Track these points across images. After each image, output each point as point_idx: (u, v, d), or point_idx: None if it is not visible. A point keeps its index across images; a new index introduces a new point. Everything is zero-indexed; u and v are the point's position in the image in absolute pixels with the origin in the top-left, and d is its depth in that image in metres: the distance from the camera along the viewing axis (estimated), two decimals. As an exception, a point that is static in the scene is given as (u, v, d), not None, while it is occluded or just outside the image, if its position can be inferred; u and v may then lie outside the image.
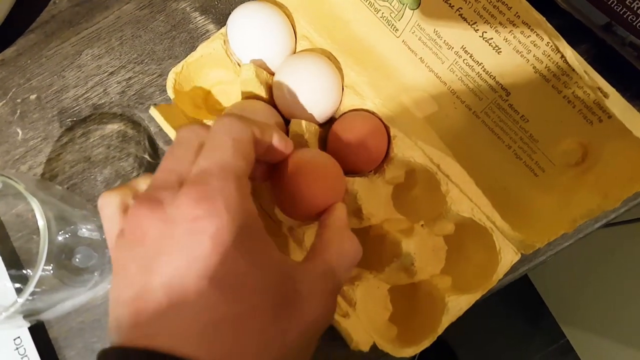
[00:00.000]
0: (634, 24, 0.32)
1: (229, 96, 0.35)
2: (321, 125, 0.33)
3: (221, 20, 0.37)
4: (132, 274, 0.17)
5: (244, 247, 0.17)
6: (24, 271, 0.32)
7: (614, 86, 0.35)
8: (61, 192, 0.31)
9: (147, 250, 0.17)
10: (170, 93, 0.32)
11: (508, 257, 0.30)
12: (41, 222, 0.24)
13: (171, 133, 0.30)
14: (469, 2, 0.28)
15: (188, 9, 0.37)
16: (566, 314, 1.00)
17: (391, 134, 0.32)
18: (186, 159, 0.19)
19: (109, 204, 0.20)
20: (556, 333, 1.02)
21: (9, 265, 0.32)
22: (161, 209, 0.17)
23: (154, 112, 0.29)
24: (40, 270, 0.23)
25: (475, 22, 0.28)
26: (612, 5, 0.32)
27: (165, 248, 0.17)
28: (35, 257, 0.34)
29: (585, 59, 0.36)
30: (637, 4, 0.31)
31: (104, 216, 0.20)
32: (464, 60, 0.30)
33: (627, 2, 0.31)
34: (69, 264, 0.31)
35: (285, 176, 0.23)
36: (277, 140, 0.22)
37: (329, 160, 0.26)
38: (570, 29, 0.36)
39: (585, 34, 0.35)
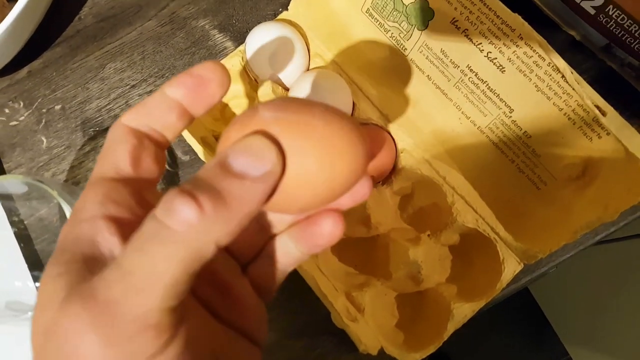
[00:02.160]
0: (632, 46, 0.34)
1: (244, 108, 0.37)
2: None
3: (238, 38, 0.39)
4: None
5: None
6: (47, 273, 0.34)
7: (613, 105, 0.37)
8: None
9: None
10: (189, 105, 0.34)
11: (511, 267, 0.31)
12: (71, 224, 0.25)
13: (192, 142, 0.32)
14: (475, 23, 0.29)
15: (207, 26, 0.39)
16: (569, 331, 1.00)
17: (399, 147, 0.33)
18: None
19: None
20: (559, 351, 1.02)
21: (31, 267, 0.33)
22: None
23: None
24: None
25: (481, 43, 0.30)
26: (611, 29, 0.34)
27: None
28: (56, 260, 0.35)
29: (586, 79, 0.38)
30: (635, 27, 0.33)
31: None
32: (469, 78, 0.31)
33: (625, 26, 0.33)
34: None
35: None
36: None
37: None
38: (572, 49, 0.38)
39: (585, 55, 0.37)
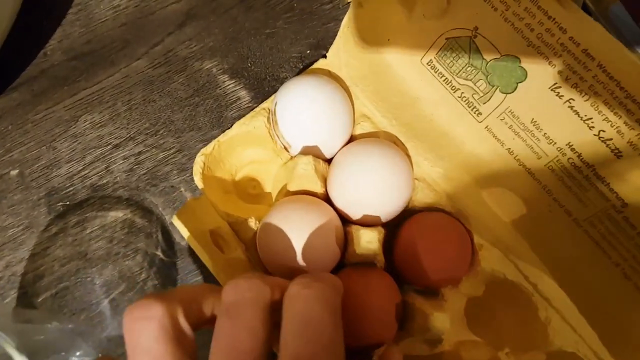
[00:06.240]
0: None
1: (262, 177, 0.29)
2: (384, 225, 0.27)
3: (255, 86, 0.30)
4: None
5: None
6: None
7: None
8: (42, 316, 0.24)
9: None
10: (198, 182, 0.26)
11: (621, 404, 0.24)
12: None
13: (196, 247, 0.23)
14: (586, 93, 0.22)
15: (215, 70, 0.31)
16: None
17: (475, 241, 0.26)
18: None
19: None
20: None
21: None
22: None
23: (176, 222, 0.23)
24: None
25: (591, 118, 0.23)
26: None
27: None
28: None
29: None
30: None
31: None
32: (568, 159, 0.24)
33: None
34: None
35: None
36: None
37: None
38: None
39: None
